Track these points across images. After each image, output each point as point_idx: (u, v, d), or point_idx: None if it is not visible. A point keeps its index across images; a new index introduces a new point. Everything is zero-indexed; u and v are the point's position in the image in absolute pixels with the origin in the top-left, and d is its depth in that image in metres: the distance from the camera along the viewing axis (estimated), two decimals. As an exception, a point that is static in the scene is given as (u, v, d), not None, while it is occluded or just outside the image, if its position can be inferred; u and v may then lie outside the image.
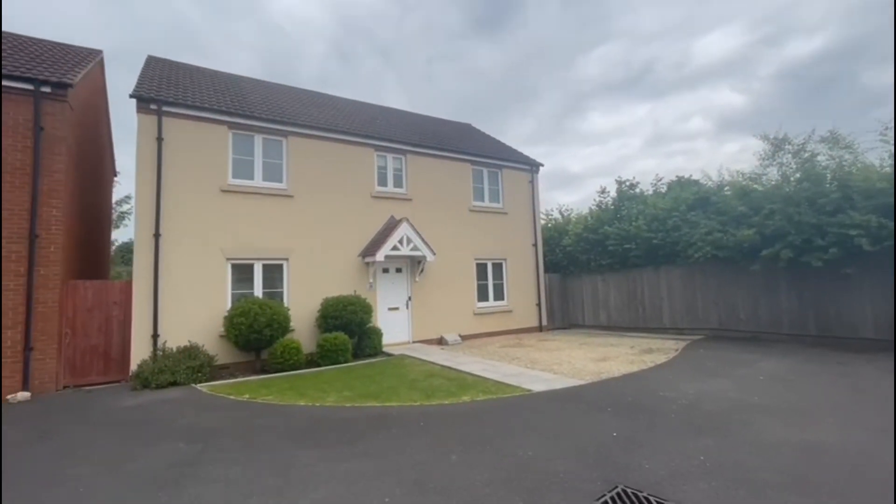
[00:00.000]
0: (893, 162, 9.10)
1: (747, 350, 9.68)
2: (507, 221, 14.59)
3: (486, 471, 3.96)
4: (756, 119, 47.27)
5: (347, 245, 11.29)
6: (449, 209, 13.26)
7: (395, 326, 11.88)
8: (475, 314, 13.35)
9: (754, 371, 7.60)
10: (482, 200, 14.24)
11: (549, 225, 17.57)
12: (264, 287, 10.17)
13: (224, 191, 9.81)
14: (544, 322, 14.94)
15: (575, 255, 15.58)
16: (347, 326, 9.98)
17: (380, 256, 10.90)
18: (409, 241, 11.46)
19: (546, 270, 15.87)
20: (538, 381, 7.30)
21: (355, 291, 10.77)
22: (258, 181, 10.36)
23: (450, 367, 8.58)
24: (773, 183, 11.02)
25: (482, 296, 13.79)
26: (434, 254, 11.87)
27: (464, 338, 12.82)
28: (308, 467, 4.16)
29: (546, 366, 8.63)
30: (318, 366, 9.38)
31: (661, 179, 15.75)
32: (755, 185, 11.14)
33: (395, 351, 10.70)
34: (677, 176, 14.44)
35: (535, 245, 15.13)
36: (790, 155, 11.41)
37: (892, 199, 8.14)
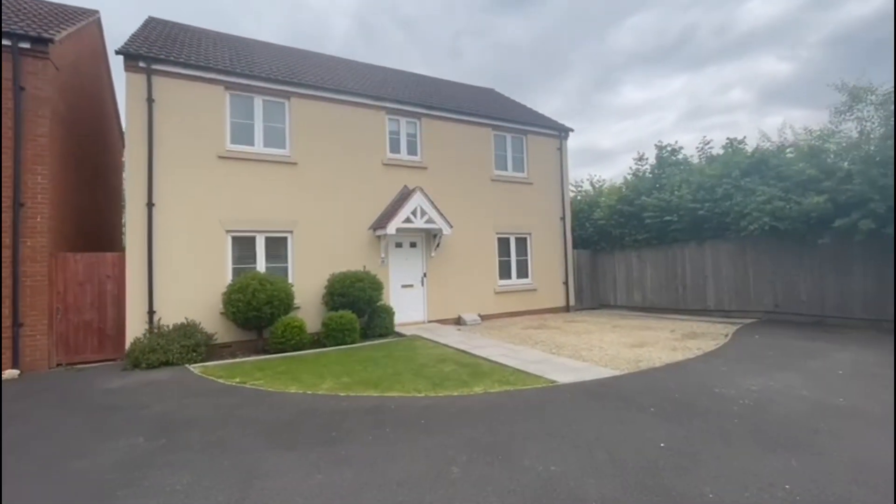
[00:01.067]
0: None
1: (813, 337, 8.32)
2: (533, 192, 13.37)
3: (495, 493, 3.04)
4: (801, 88, 43.08)
5: (357, 217, 10.43)
6: (468, 179, 12.16)
7: (408, 305, 11.06)
8: (496, 293, 12.37)
9: (829, 363, 6.33)
10: (505, 169, 13.04)
11: (579, 197, 16.20)
12: (268, 262, 9.48)
13: (222, 157, 9.06)
14: (572, 302, 13.81)
15: (607, 230, 14.24)
16: (355, 304, 9.21)
17: (391, 229, 10.00)
18: (422, 212, 10.49)
19: (574, 246, 14.63)
20: (565, 369, 6.30)
21: (364, 267, 9.96)
22: (259, 147, 9.55)
23: (464, 351, 7.68)
24: (850, 141, 9.34)
25: (504, 273, 12.75)
26: (451, 227, 10.87)
27: (483, 318, 11.90)
28: (273, 477, 3.36)
29: (574, 351, 7.61)
30: (323, 346, 8.68)
31: (708, 143, 14.04)
32: (827, 145, 9.48)
33: (408, 331, 9.90)
34: (728, 138, 12.71)
35: (563, 219, 13.88)
36: (873, 107, 9.58)
37: None
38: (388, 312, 9.85)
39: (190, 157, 8.76)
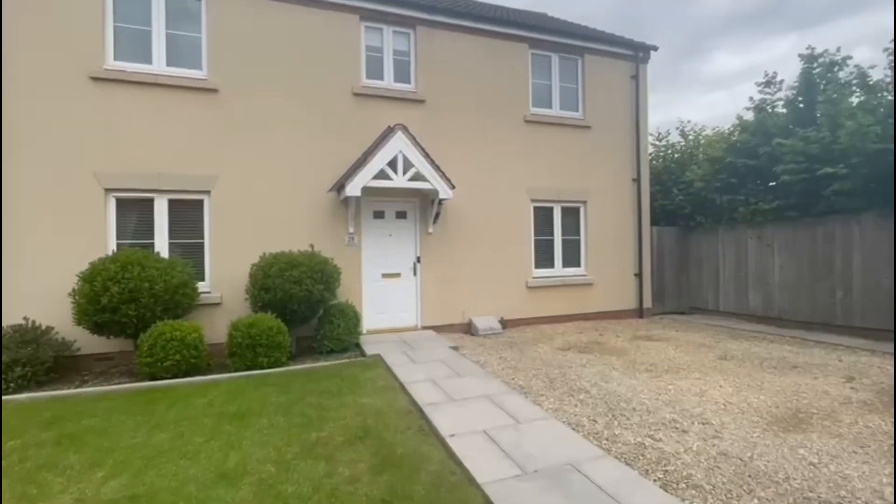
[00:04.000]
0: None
1: None
2: (591, 141, 9.07)
3: None
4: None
5: (313, 172, 7.06)
6: (489, 119, 8.23)
7: (392, 303, 7.58)
8: (529, 287, 8.45)
9: None
10: (547, 106, 8.86)
11: (661, 153, 11.44)
12: (172, 237, 6.47)
13: (99, 79, 6.08)
14: (647, 303, 9.44)
15: (706, 197, 9.53)
16: (287, 303, 5.91)
17: (352, 189, 6.50)
18: (406, 163, 6.84)
19: (654, 222, 10.13)
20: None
21: (313, 246, 6.58)
22: (159, 65, 6.45)
23: (423, 414, 4.00)
24: None
25: (543, 259, 8.75)
26: (452, 187, 7.11)
27: (507, 324, 8.10)
28: None
29: (649, 429, 3.66)
30: (224, 370, 5.52)
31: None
32: None
33: (379, 345, 6.44)
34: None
35: (638, 181, 9.43)
36: None
37: None
38: (348, 316, 6.43)
39: (48, 76, 5.88)
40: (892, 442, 3.45)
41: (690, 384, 4.84)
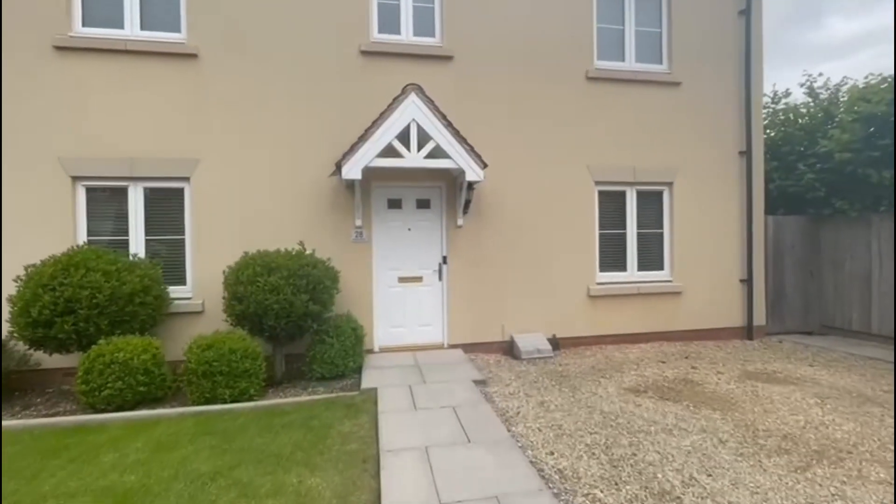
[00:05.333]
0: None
1: None
2: (679, 102, 6.79)
3: None
4: None
5: (312, 152, 5.72)
6: (539, 78, 6.33)
7: (411, 313, 6.07)
8: (591, 296, 6.47)
9: None
10: (618, 58, 6.73)
11: (779, 118, 8.62)
12: (150, 233, 5.49)
13: (64, 48, 5.21)
14: (758, 319, 6.98)
15: (853, 173, 6.77)
16: (264, 317, 4.63)
17: (350, 171, 5.03)
18: (422, 135, 5.23)
19: (770, 210, 7.55)
20: None
21: (303, 244, 5.23)
22: (132, 30, 5.46)
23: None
24: None
25: (611, 258, 6.70)
26: (483, 166, 5.37)
27: (560, 344, 6.23)
28: None
29: None
30: (185, 401, 4.37)
31: None
32: None
33: (389, 370, 4.98)
34: None
35: (748, 153, 6.94)
36: None
37: None
38: (344, 334, 5.01)
39: (8, 49, 5.10)
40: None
41: (873, 495, 2.73)
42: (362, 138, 5.08)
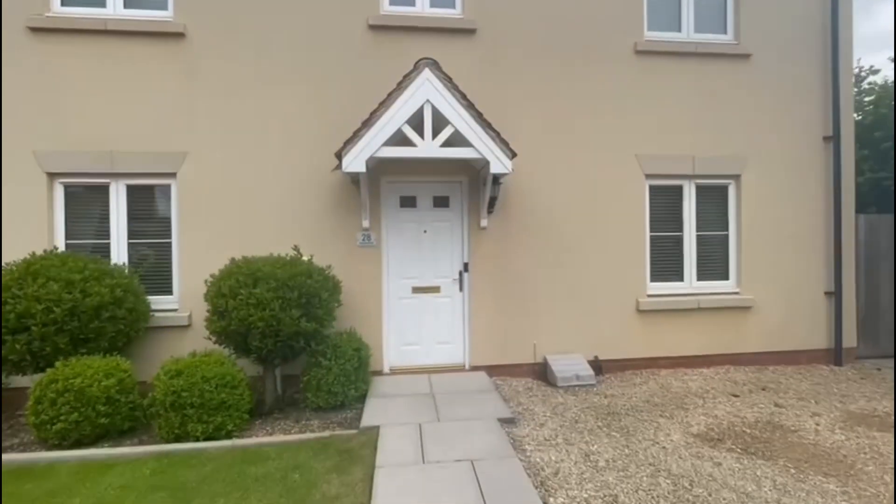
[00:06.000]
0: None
1: None
2: (750, 78, 5.66)
3: None
4: None
5: (312, 143, 4.97)
6: (578, 53, 5.36)
7: (427, 328, 5.22)
8: (641, 310, 5.42)
9: None
10: (674, 28, 5.67)
11: (867, 98, 7.27)
12: (133, 236, 4.87)
13: (40, 29, 4.67)
14: (848, 340, 5.73)
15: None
16: (246, 337, 3.88)
17: (352, 162, 4.22)
18: (438, 119, 4.37)
19: (861, 209, 6.28)
20: None
21: (297, 249, 4.46)
22: (115, 8, 4.86)
23: None
24: None
25: (665, 265, 5.64)
26: (511, 156, 4.45)
27: (604, 367, 5.23)
28: None
29: None
30: (157, 436, 3.68)
31: None
32: None
33: (398, 400, 4.16)
34: None
35: (835, 139, 5.71)
36: None
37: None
38: (345, 356, 4.20)
39: (-19, 33, 4.60)
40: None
41: None
42: (366, 123, 4.27)
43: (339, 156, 4.30)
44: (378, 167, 4.93)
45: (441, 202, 5.27)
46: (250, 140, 4.90)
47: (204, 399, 3.49)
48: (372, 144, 4.24)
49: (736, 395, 4.55)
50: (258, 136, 4.91)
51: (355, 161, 4.22)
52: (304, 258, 4.41)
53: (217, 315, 3.97)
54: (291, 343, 3.97)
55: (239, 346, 4.00)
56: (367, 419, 3.83)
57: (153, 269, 4.85)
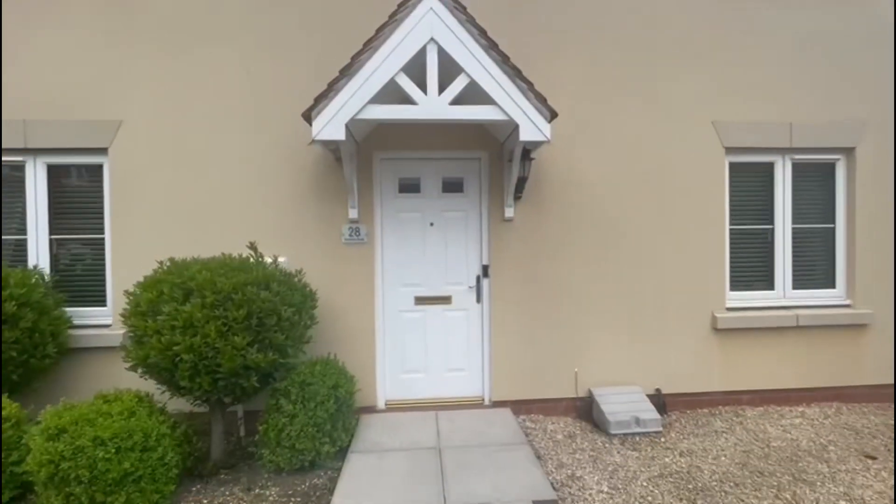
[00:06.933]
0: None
1: None
2: (867, 19, 4.20)
3: None
4: None
5: (282, 109, 3.77)
6: (635, -16, 4.02)
7: (435, 350, 4.00)
8: (718, 328, 4.07)
9: None
10: (767, -49, 4.25)
11: None
12: (55, 231, 3.79)
13: (-68, -35, 3.60)
14: None
15: None
16: (173, 372, 2.73)
17: (325, 127, 3.00)
18: (446, 65, 3.11)
19: None
20: None
21: (253, 246, 3.27)
22: (29, -65, 3.76)
23: None
24: None
25: (748, 270, 4.26)
26: (550, 117, 3.17)
27: (670, 403, 3.92)
28: None
29: None
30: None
31: None
32: None
33: (392, 456, 2.96)
34: None
35: (984, 98, 4.23)
36: None
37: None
38: (321, 397, 3.01)
39: None
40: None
41: None
42: (346, 72, 3.04)
43: (308, 118, 3.09)
44: (370, 139, 3.73)
45: (453, 186, 4.02)
46: (202, 103, 3.74)
47: (97, 471, 2.35)
48: (354, 101, 3.01)
49: (872, 458, 3.19)
50: (213, 98, 3.75)
51: (330, 125, 3.00)
52: (267, 259, 3.24)
53: (135, 340, 2.83)
54: (238, 381, 2.80)
55: (167, 383, 2.86)
56: (343, 493, 2.63)
57: (82, 273, 3.77)
